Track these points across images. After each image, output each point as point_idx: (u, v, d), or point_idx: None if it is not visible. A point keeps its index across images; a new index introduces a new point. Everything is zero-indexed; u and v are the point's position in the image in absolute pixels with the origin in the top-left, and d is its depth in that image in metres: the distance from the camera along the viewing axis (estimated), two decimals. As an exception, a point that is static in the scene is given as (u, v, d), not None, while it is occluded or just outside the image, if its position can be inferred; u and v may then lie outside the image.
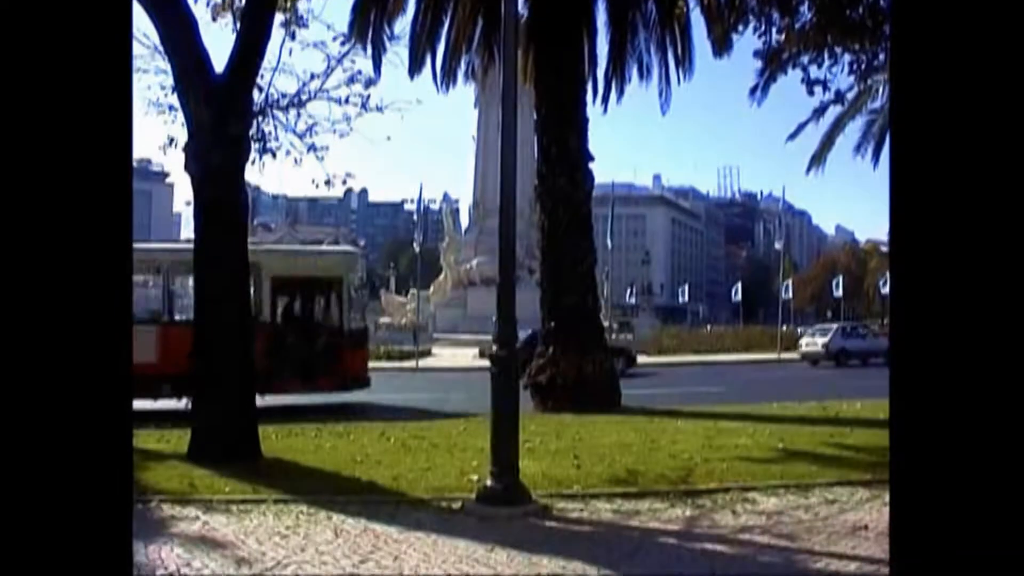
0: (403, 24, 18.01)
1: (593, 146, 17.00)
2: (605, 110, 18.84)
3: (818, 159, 23.54)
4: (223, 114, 9.57)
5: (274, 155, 11.10)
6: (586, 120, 17.05)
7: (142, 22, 9.60)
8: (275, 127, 11.05)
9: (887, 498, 7.27)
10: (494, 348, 7.50)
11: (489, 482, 7.28)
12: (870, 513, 6.97)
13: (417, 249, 46.52)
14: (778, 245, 53.12)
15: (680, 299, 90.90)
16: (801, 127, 21.46)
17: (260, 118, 10.76)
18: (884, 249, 27.97)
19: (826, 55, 12.07)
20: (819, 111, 19.55)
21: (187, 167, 9.85)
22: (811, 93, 12.39)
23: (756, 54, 13.36)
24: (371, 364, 35.29)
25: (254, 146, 10.59)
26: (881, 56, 11.98)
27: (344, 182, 12.58)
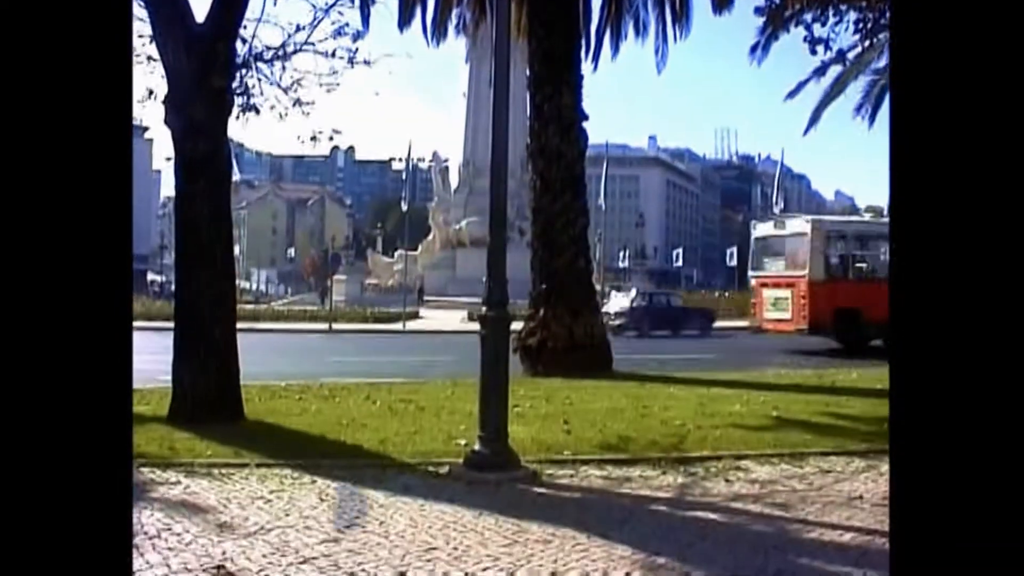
0: (392, -26, 17.75)
1: (588, 105, 16.88)
2: (595, 67, 18.70)
3: (815, 118, 23.33)
4: (205, 66, 9.42)
5: (258, 111, 10.93)
6: (580, 77, 16.89)
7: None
8: (259, 80, 10.85)
9: (883, 468, 7.36)
10: (484, 310, 7.49)
11: (477, 447, 7.30)
12: (865, 483, 7.02)
13: (405, 209, 46.36)
14: (776, 209, 53.05)
15: (674, 263, 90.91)
16: (801, 85, 21.14)
17: (243, 71, 10.58)
18: (884, 216, 27.52)
19: (831, 12, 11.96)
20: (820, 70, 19.35)
21: (167, 121, 9.71)
22: (814, 52, 12.29)
23: (758, 11, 13.24)
24: (357, 327, 35.49)
25: (237, 100, 10.43)
26: (888, 14, 11.88)
27: (330, 139, 12.42)
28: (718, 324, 35.15)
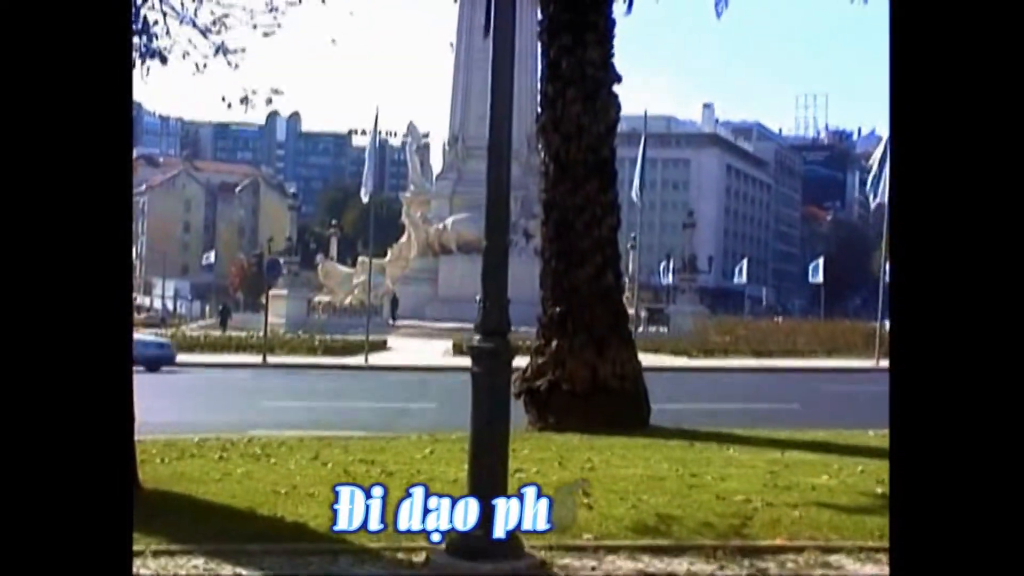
0: None
1: (620, 62, 16.89)
2: (629, 8, 18.64)
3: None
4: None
5: (163, 59, 10.87)
6: (612, 24, 16.90)
7: None
8: (164, 15, 10.75)
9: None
10: (476, 340, 7.47)
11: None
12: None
13: (368, 200, 46.41)
14: (874, 204, 52.94)
15: (736, 279, 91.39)
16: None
17: (142, 1, 10.50)
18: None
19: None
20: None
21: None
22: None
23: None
24: (302, 360, 35.59)
25: (133, 42, 10.36)
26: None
27: (268, 101, 12.40)
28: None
